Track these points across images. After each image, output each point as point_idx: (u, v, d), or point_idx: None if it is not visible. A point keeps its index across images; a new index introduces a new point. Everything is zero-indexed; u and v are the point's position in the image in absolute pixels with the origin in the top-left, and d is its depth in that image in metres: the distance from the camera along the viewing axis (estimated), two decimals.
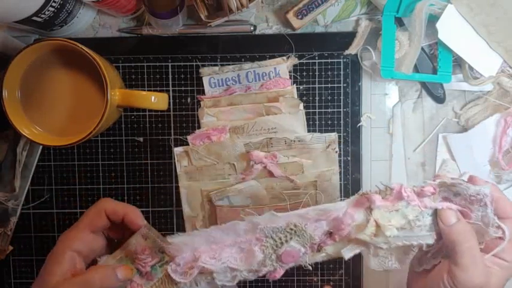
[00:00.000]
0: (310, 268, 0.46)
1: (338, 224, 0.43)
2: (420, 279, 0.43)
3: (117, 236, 0.45)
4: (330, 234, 0.45)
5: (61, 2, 0.48)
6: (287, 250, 0.44)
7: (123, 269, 0.42)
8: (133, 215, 0.43)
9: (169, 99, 0.55)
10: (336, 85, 0.55)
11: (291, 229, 0.44)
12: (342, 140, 0.55)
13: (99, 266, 0.42)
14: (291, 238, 0.44)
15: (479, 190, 0.38)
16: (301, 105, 0.54)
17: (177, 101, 0.56)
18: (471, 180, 0.40)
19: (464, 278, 0.38)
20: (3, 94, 0.47)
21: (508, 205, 0.40)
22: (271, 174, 0.54)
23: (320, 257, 0.45)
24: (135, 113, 0.56)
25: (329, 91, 0.55)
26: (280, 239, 0.44)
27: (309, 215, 0.43)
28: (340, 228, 0.43)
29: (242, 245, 0.44)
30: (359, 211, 0.43)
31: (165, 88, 0.56)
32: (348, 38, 0.54)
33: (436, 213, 0.41)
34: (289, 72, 0.55)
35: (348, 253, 0.44)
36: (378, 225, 0.41)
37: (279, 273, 0.45)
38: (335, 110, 0.55)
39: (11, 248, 0.57)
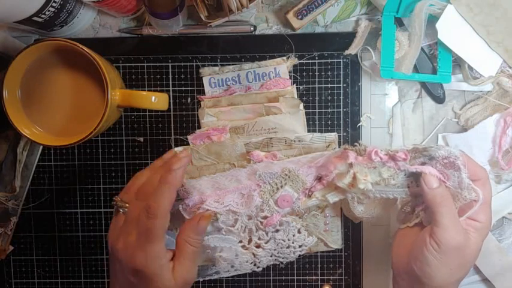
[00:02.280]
0: (303, 212, 0.53)
1: (324, 170, 0.50)
2: (405, 252, 0.45)
3: None
4: (319, 179, 0.51)
5: (61, 2, 0.48)
6: (282, 195, 0.50)
7: (202, 221, 0.47)
8: None
9: (169, 99, 0.55)
10: (335, 85, 0.55)
11: (286, 174, 0.50)
12: (342, 140, 0.56)
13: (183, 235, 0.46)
14: (285, 183, 0.50)
15: (449, 151, 0.42)
16: (301, 105, 0.54)
17: (177, 101, 0.56)
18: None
19: (445, 237, 0.41)
20: (4, 94, 0.48)
21: (476, 167, 0.43)
22: None
23: (311, 202, 0.52)
24: (135, 113, 0.56)
25: (329, 91, 0.55)
26: (276, 184, 0.50)
27: (301, 162, 0.51)
28: (326, 175, 0.50)
29: (243, 191, 0.51)
30: (343, 162, 0.48)
31: (165, 88, 0.56)
32: (347, 38, 0.54)
33: (411, 175, 0.45)
34: (289, 72, 0.55)
35: (332, 198, 0.50)
36: (355, 177, 0.46)
37: (276, 219, 0.51)
38: (335, 110, 0.55)
39: (11, 248, 0.57)
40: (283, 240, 0.53)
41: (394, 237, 0.48)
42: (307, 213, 0.54)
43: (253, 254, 0.54)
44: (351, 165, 0.47)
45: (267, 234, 0.53)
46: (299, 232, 0.54)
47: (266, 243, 0.53)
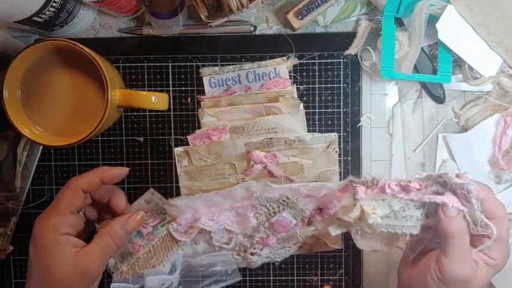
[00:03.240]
0: (301, 240, 0.50)
1: (326, 202, 0.46)
2: (409, 268, 0.44)
3: (92, 215, 0.47)
4: (319, 210, 0.48)
5: (61, 2, 0.48)
6: (279, 220, 0.48)
7: (131, 219, 0.45)
8: (119, 197, 0.47)
9: (169, 99, 0.55)
10: (336, 85, 0.55)
11: (284, 201, 0.47)
12: (342, 140, 0.56)
13: (106, 229, 0.44)
14: (283, 209, 0.47)
15: (463, 184, 0.39)
16: (301, 106, 0.54)
17: (177, 101, 0.56)
18: (458, 176, 0.41)
19: (452, 270, 0.39)
20: (4, 94, 0.48)
21: (494, 205, 0.40)
22: (271, 174, 0.54)
23: (310, 231, 0.49)
24: (135, 113, 0.56)
25: (329, 91, 0.55)
26: (273, 208, 0.48)
27: (301, 190, 0.47)
28: (327, 207, 0.46)
29: (239, 210, 0.48)
30: (347, 194, 0.44)
31: (165, 88, 0.56)
32: (348, 38, 0.54)
33: (422, 206, 0.42)
34: (289, 72, 0.55)
35: (334, 230, 0.47)
36: (363, 211, 0.43)
37: (271, 241, 0.49)
38: (335, 110, 0.55)
39: (11, 248, 0.57)
40: (278, 243, 0.53)
41: (399, 267, 0.47)
42: None
43: (248, 261, 0.53)
44: (356, 197, 0.44)
45: None
46: None
47: (261, 250, 0.52)
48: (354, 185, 0.44)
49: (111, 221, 0.46)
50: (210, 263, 0.51)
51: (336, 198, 0.45)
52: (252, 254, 0.52)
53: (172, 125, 0.56)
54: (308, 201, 0.48)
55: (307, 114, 0.55)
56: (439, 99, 0.55)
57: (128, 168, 0.47)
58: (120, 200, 0.47)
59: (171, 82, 0.56)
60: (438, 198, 0.41)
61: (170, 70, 0.56)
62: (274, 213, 0.48)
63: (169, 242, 0.48)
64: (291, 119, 0.54)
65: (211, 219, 0.48)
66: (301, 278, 0.58)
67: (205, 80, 0.55)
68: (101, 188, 0.46)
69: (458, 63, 0.54)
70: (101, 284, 0.50)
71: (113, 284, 0.48)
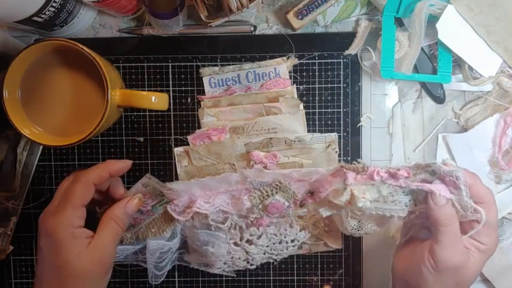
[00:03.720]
0: (290, 217, 0.52)
1: (317, 187, 0.48)
2: (403, 263, 0.45)
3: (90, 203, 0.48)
4: (311, 194, 0.50)
5: (61, 2, 0.48)
6: (272, 202, 0.49)
7: (130, 203, 0.47)
8: (118, 184, 0.49)
9: (169, 99, 0.55)
10: (336, 85, 0.55)
11: (277, 185, 0.49)
12: (342, 140, 0.56)
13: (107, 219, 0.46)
14: (276, 192, 0.49)
15: (452, 171, 0.41)
16: (301, 106, 0.54)
17: (177, 101, 0.56)
18: (445, 164, 0.42)
19: (443, 257, 0.40)
20: (4, 94, 0.48)
21: (482, 190, 0.42)
22: None
23: (302, 212, 0.51)
24: (135, 113, 0.56)
25: (329, 91, 0.55)
26: (266, 191, 0.49)
27: (293, 175, 0.48)
28: (319, 191, 0.48)
29: (233, 193, 0.50)
30: (338, 179, 0.46)
31: (165, 88, 0.56)
32: (348, 38, 0.54)
33: (410, 193, 0.44)
34: (289, 72, 0.55)
35: (325, 212, 0.49)
36: (353, 195, 0.44)
37: (265, 221, 0.51)
38: (335, 110, 0.55)
39: (11, 247, 0.57)
40: (275, 234, 0.53)
41: (393, 259, 0.47)
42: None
43: (246, 251, 0.54)
44: (346, 181, 0.45)
45: (258, 229, 0.53)
46: (291, 226, 0.54)
47: (258, 238, 0.53)
48: (345, 170, 0.45)
49: (111, 206, 0.47)
50: (205, 240, 0.52)
51: (327, 182, 0.47)
52: (250, 242, 0.53)
53: (172, 125, 0.56)
54: (300, 185, 0.49)
55: (307, 114, 0.55)
56: (439, 99, 0.55)
57: (131, 161, 0.49)
58: (118, 186, 0.49)
59: (171, 82, 0.56)
60: (426, 187, 0.42)
61: (170, 70, 0.56)
62: (268, 196, 0.49)
63: (168, 216, 0.50)
64: (291, 119, 0.54)
65: (206, 201, 0.50)
66: (301, 278, 0.58)
67: (205, 80, 0.55)
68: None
69: (458, 63, 0.54)
70: None
71: (119, 247, 0.50)
